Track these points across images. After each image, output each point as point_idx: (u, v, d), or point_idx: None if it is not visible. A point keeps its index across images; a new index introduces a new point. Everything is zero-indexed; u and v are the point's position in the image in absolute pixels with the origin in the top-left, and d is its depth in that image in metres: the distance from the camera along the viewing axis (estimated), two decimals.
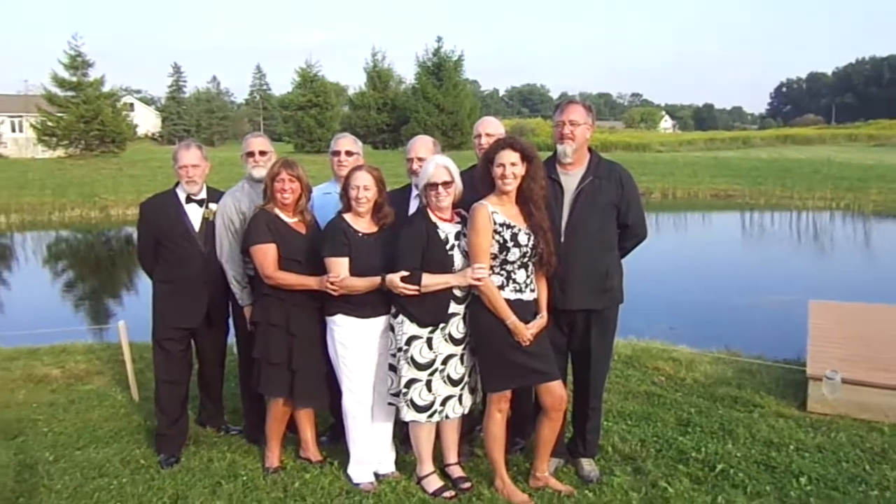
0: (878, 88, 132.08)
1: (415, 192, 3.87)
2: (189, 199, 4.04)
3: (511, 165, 3.31)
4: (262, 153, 4.08)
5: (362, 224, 3.60)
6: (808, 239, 16.87)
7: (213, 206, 4.05)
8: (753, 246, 15.95)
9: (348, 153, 4.06)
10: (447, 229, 3.45)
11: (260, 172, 3.97)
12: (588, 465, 3.84)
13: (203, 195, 4.09)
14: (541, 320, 3.43)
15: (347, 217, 3.60)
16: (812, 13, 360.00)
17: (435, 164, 3.45)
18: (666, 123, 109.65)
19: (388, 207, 3.64)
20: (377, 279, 3.42)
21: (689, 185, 25.77)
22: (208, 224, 4.03)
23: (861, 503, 3.46)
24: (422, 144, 3.94)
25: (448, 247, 3.41)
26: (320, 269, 3.54)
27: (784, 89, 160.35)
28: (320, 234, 3.68)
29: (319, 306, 3.65)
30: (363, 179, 3.55)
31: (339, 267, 3.48)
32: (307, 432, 3.95)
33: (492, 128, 3.98)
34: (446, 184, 3.41)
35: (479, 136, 3.96)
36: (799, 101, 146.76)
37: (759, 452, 4.01)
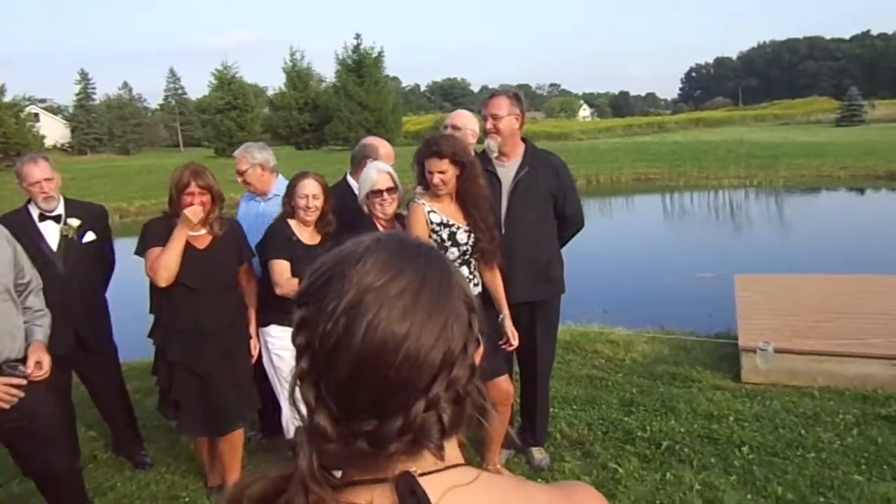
0: (780, 70, 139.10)
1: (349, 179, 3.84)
2: (43, 217, 3.62)
3: (440, 173, 3.20)
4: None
5: (305, 234, 3.46)
6: (726, 216, 17.56)
7: (72, 221, 3.65)
8: (676, 226, 16.48)
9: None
10: None
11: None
12: (538, 454, 3.85)
13: (60, 210, 3.67)
14: (507, 320, 3.40)
15: (291, 223, 3.45)
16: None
17: (377, 169, 3.36)
18: (584, 112, 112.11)
19: (332, 216, 3.51)
20: None
21: (612, 170, 26.38)
22: (68, 242, 3.64)
23: (801, 466, 3.59)
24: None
25: None
26: (216, 292, 3.31)
27: (694, 74, 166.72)
28: (225, 248, 3.38)
29: (204, 333, 3.31)
30: (312, 188, 3.40)
31: (283, 269, 3.34)
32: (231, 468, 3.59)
33: (462, 120, 3.80)
34: (390, 190, 3.33)
35: (447, 127, 3.82)
36: (708, 86, 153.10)
37: (701, 426, 4.11)
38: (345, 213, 3.49)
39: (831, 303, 5.79)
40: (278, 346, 3.47)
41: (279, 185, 4.05)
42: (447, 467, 0.78)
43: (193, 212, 3.18)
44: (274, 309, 3.41)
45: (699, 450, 3.81)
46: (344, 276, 0.76)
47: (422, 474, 0.75)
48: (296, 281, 3.32)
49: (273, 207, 3.97)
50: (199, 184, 3.24)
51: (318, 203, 3.42)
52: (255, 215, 3.96)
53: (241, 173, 3.99)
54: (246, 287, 3.56)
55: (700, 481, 3.48)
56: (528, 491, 0.83)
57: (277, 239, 3.42)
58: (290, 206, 3.46)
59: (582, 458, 3.84)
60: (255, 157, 3.98)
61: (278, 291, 3.35)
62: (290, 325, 3.10)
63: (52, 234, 3.65)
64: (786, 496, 3.31)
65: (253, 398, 3.57)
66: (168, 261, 3.16)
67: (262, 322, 3.51)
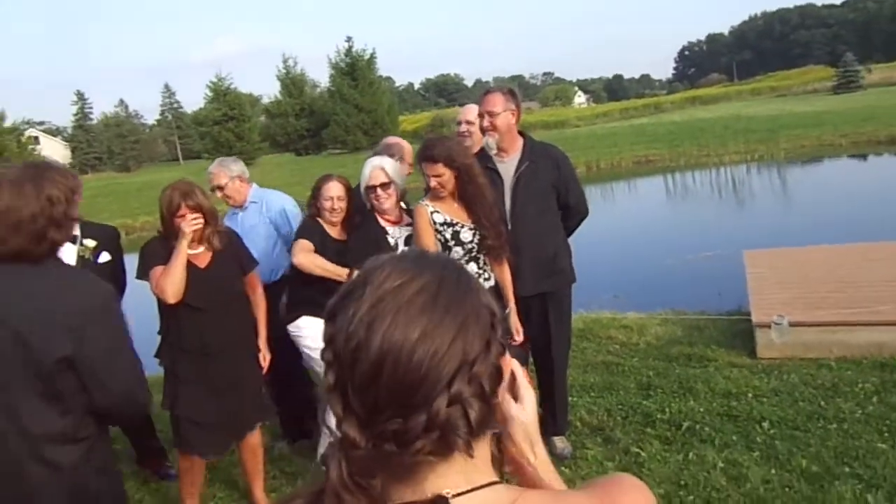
0: (772, 42, 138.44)
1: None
2: None
3: (436, 177, 3.21)
4: None
5: (334, 232, 3.59)
6: (729, 193, 17.50)
7: (88, 242, 3.63)
8: (680, 206, 16.42)
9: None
10: (396, 234, 3.43)
11: None
12: (560, 443, 3.86)
13: (76, 231, 3.61)
14: (512, 314, 3.42)
15: (321, 220, 3.58)
16: None
17: (371, 166, 3.40)
18: (580, 98, 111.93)
19: (357, 216, 3.57)
20: (345, 270, 3.30)
21: (611, 155, 26.30)
22: (84, 262, 3.59)
23: (823, 438, 3.59)
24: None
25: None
26: (221, 309, 3.25)
27: (687, 52, 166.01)
28: (226, 262, 3.33)
29: (210, 351, 3.24)
30: (336, 190, 3.51)
31: (305, 245, 3.44)
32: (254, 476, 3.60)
33: (475, 115, 3.84)
34: (384, 185, 3.35)
35: (461, 123, 3.96)
36: (702, 63, 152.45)
37: (720, 405, 4.12)
38: (363, 214, 3.58)
39: (838, 273, 5.78)
40: (310, 339, 3.46)
41: (252, 193, 4.12)
42: (480, 486, 0.79)
43: (190, 224, 3.15)
44: (303, 301, 3.46)
45: (720, 428, 3.82)
46: (365, 284, 0.81)
47: (455, 495, 0.76)
48: (314, 255, 3.41)
49: (252, 216, 4.04)
50: (189, 205, 3.17)
51: (343, 205, 3.53)
52: (240, 228, 3.91)
53: (220, 188, 3.97)
54: (252, 297, 3.54)
55: (723, 459, 3.49)
56: (568, 502, 0.85)
57: (310, 227, 3.56)
58: (315, 207, 3.56)
59: (603, 445, 3.85)
60: (233, 169, 4.02)
61: (294, 260, 3.45)
62: (321, 316, 3.07)
63: (68, 254, 3.64)
64: (810, 469, 3.32)
65: (263, 410, 3.55)
66: (174, 276, 3.09)
67: (291, 317, 3.56)
